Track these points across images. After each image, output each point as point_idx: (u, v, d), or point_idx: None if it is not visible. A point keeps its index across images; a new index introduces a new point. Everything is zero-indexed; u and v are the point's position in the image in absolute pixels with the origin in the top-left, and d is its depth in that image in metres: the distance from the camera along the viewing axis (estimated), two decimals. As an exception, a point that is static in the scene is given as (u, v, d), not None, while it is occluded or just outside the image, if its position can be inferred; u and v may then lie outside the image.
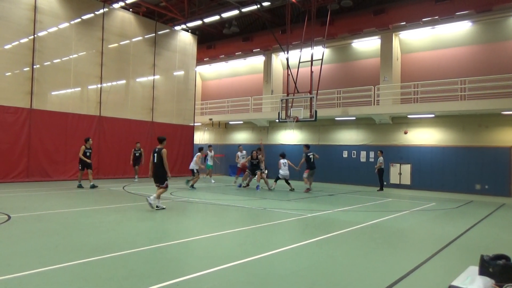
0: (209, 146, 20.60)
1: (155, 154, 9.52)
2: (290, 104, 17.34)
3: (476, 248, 6.52)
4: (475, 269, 3.95)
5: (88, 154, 13.86)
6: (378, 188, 17.35)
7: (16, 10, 15.87)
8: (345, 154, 20.93)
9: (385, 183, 18.02)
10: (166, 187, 9.54)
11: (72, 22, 17.75)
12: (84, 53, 18.31)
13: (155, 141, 20.31)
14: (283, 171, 15.69)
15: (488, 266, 3.70)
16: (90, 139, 14.33)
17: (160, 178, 9.48)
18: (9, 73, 15.90)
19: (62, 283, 4.07)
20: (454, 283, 3.55)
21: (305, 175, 15.72)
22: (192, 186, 15.26)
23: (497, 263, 3.64)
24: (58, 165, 16.96)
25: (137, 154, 18.04)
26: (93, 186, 13.85)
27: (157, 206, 9.33)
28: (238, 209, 10.33)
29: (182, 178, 21.49)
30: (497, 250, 4.56)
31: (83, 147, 13.81)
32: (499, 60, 17.62)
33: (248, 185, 16.42)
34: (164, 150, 9.48)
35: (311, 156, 15.79)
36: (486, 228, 8.61)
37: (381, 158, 17.31)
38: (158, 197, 9.41)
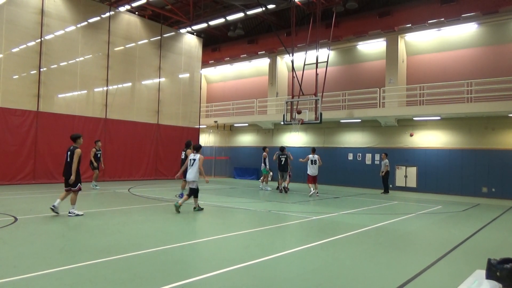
0: (264, 148, 17.91)
1: (68, 153, 8.31)
2: (295, 107, 17.32)
3: (483, 251, 6.45)
4: (482, 273, 3.91)
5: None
6: (382, 191, 17.26)
7: (23, 13, 16.03)
8: (350, 156, 20.86)
9: (390, 186, 17.91)
10: (79, 190, 8.41)
11: (78, 26, 17.89)
12: (90, 56, 18.44)
13: (161, 143, 20.55)
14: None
15: (495, 270, 3.67)
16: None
17: (72, 180, 8.23)
18: (17, 76, 16.04)
19: (68, 285, 4.09)
20: (461, 287, 3.52)
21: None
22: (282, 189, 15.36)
23: (504, 266, 3.61)
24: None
25: (98, 155, 15.01)
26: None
27: (74, 213, 8.28)
28: (243, 211, 10.32)
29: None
30: (504, 254, 4.52)
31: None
32: (505, 62, 17.49)
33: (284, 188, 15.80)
34: (77, 150, 8.27)
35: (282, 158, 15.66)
36: (493, 232, 8.53)
37: (386, 161, 17.21)
38: (74, 202, 8.33)
